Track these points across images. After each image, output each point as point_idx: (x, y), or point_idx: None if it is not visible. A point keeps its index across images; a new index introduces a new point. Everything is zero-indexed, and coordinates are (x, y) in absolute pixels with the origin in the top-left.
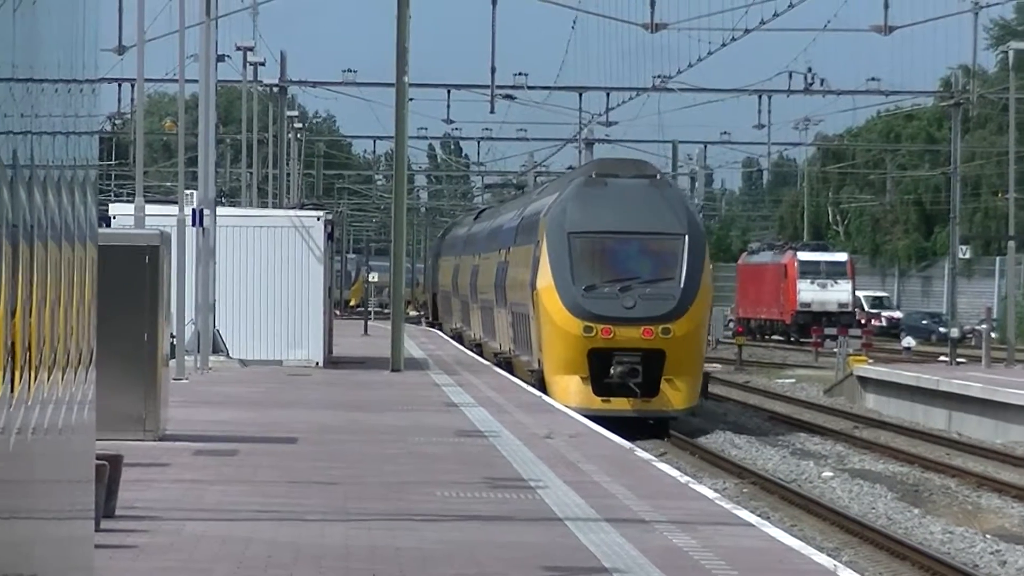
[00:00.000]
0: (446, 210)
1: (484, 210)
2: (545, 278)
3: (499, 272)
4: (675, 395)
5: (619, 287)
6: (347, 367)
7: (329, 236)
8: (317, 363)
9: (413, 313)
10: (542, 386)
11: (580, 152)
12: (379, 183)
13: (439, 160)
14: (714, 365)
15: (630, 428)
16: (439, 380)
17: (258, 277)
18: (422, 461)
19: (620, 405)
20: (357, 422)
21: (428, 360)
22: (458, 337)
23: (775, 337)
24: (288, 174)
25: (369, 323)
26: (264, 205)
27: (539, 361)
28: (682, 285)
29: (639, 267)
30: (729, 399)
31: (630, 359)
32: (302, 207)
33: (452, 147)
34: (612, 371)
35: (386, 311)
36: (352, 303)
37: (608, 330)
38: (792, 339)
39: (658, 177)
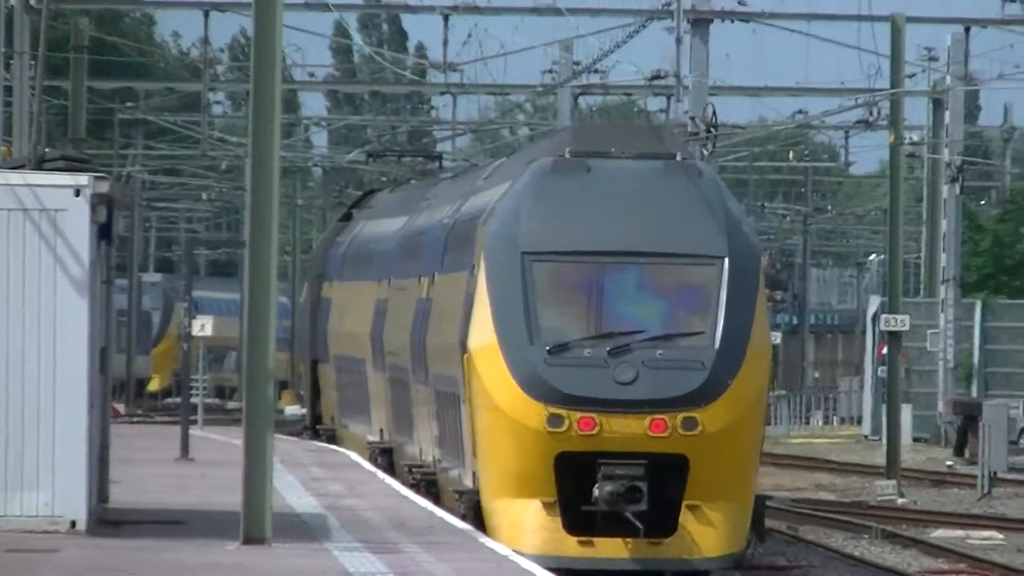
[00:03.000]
0: (367, 178)
1: (411, 182)
2: (483, 332)
3: (418, 318)
4: (705, 534)
5: (609, 348)
6: (142, 533)
7: (103, 231)
8: (73, 524)
9: (294, 410)
10: (478, 519)
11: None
12: (217, 111)
13: (356, 57)
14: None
15: None
16: (354, 564)
17: None
18: None
19: (610, 550)
20: None
21: (327, 517)
22: (381, 455)
23: None
24: (7, 88)
25: (193, 433)
26: None
27: (473, 475)
28: (718, 344)
29: (644, 313)
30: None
31: (628, 471)
32: (39, 164)
33: (387, 29)
34: (597, 492)
35: (231, 409)
36: (155, 387)
37: (590, 421)
38: None
39: (679, 157)
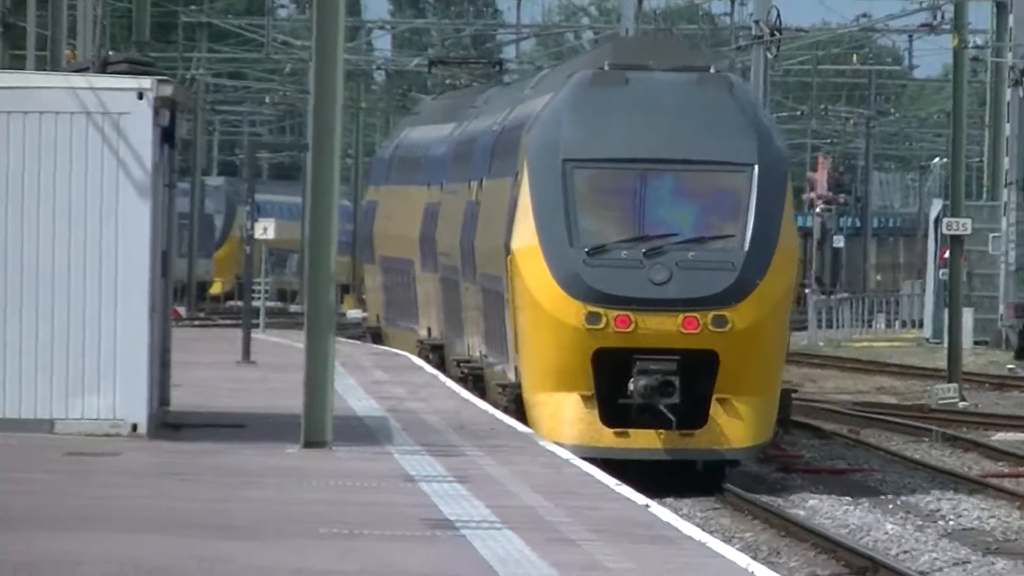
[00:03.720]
0: (431, 82)
1: (470, 92)
2: (525, 234)
3: (467, 221)
4: (734, 426)
5: (644, 250)
6: (203, 437)
7: (165, 134)
8: (135, 427)
9: (356, 313)
10: (520, 411)
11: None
12: (282, 14)
13: None
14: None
15: (662, 475)
16: (415, 467)
17: None
18: None
19: (644, 441)
20: (228, 570)
21: (389, 420)
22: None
23: None
24: None
25: (255, 337)
26: (16, 67)
27: (516, 370)
28: (747, 247)
29: (678, 218)
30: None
31: (661, 366)
32: (103, 68)
33: None
34: (632, 386)
35: (293, 312)
36: (217, 290)
37: (626, 319)
38: None
39: (712, 70)
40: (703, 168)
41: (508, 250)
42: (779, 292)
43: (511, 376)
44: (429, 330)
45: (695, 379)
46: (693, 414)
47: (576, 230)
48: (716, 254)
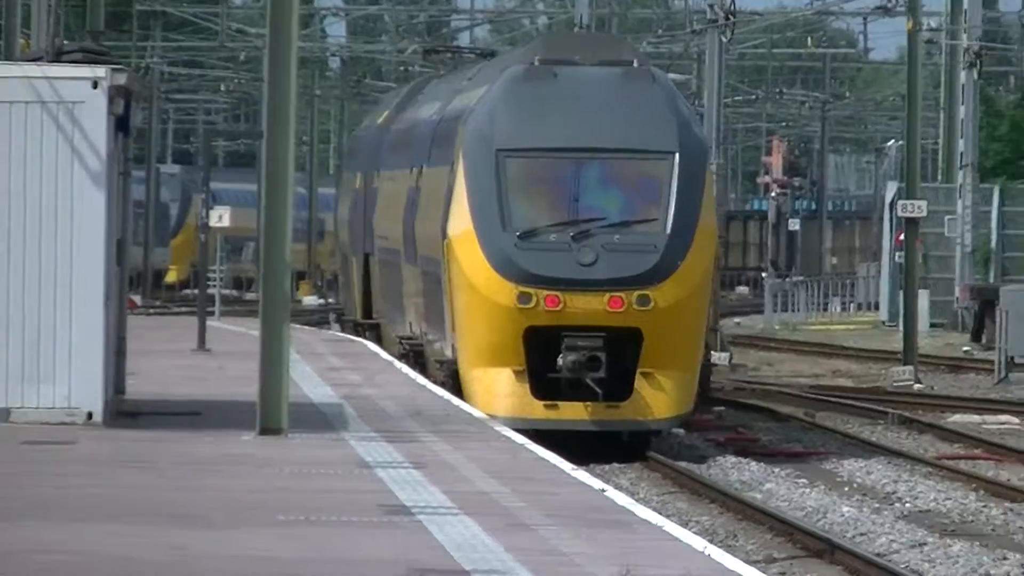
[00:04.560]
0: (387, 66)
1: (420, 82)
2: (461, 220)
3: (408, 206)
4: (657, 398)
5: (572, 233)
6: (158, 425)
7: (120, 122)
8: (90, 416)
9: (311, 300)
10: (456, 385)
11: None
12: (235, 3)
13: None
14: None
15: (590, 444)
16: (371, 453)
17: None
18: None
19: (573, 413)
20: (185, 557)
21: (344, 406)
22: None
23: None
24: None
25: (211, 324)
26: None
27: (452, 347)
28: (669, 229)
29: (603, 203)
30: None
31: (588, 343)
32: (57, 56)
33: None
34: (561, 361)
35: (249, 300)
36: (173, 279)
37: (555, 298)
38: None
39: (636, 64)
40: (627, 156)
41: (445, 235)
42: (700, 272)
43: (448, 353)
44: (363, 310)
45: (620, 354)
46: (619, 387)
47: (508, 216)
48: (640, 237)
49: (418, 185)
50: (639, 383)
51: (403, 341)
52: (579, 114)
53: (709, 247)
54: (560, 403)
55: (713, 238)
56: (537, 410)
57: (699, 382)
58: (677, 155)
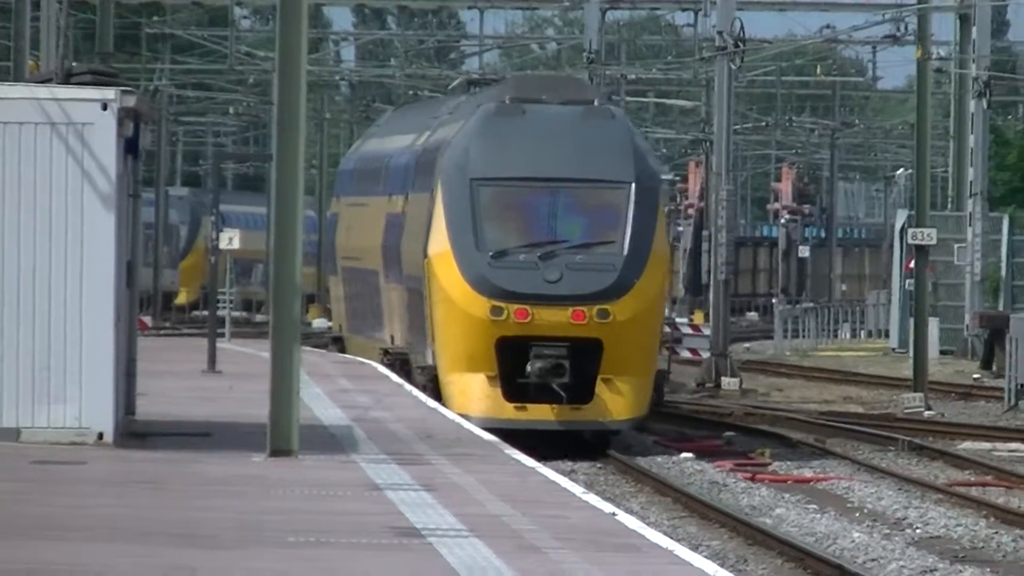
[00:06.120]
0: (397, 90)
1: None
2: (439, 241)
3: (391, 228)
4: (616, 401)
5: (539, 253)
6: (169, 446)
7: (129, 144)
8: (100, 436)
9: (322, 323)
10: (435, 389)
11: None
12: (244, 26)
13: None
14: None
15: (556, 443)
16: (381, 475)
17: None
18: None
19: (540, 414)
20: None
21: (354, 428)
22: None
23: None
24: (35, 2)
25: (221, 346)
26: None
27: (432, 355)
28: (626, 251)
29: (567, 227)
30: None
31: (554, 352)
32: (67, 79)
33: None
34: (529, 368)
35: (259, 322)
36: (182, 300)
37: (524, 312)
38: None
39: (596, 103)
40: (588, 185)
41: (426, 254)
42: (654, 289)
43: (429, 360)
44: (342, 324)
45: (583, 362)
46: (581, 392)
47: (482, 238)
48: (600, 257)
49: (403, 210)
50: (600, 388)
51: (390, 352)
52: (545, 147)
53: (662, 267)
54: (529, 405)
55: (666, 260)
56: (508, 411)
57: (654, 388)
58: (633, 185)
